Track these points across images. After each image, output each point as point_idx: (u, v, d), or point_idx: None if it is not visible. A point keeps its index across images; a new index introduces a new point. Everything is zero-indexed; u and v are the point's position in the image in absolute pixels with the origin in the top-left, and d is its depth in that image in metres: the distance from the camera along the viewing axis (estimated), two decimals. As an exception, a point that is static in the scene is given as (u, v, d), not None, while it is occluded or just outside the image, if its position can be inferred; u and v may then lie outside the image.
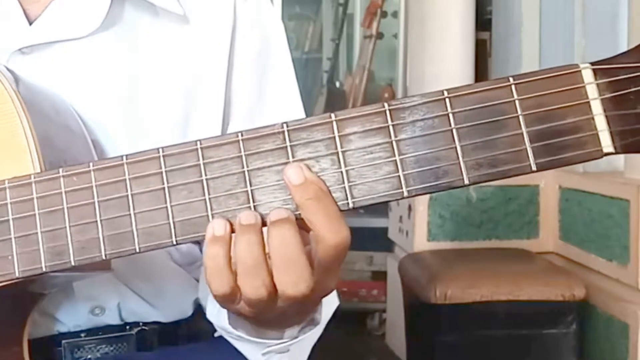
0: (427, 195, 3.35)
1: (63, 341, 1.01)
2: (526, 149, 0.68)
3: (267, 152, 0.72)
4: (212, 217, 0.73)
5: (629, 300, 2.78)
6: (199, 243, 1.06)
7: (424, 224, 3.43)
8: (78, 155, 0.90)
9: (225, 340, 0.97)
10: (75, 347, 1.01)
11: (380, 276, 4.21)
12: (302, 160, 0.71)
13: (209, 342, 1.07)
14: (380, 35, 5.30)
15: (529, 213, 3.43)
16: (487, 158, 0.69)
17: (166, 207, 0.74)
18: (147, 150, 0.75)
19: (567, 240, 3.29)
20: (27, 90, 0.87)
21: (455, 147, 0.69)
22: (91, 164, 0.76)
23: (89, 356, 1.02)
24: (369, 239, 4.10)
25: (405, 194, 0.70)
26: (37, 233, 0.76)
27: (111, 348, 1.03)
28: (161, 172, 0.74)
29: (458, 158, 0.69)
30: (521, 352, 2.92)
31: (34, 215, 0.76)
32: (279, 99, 1.08)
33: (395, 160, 0.70)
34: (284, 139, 0.72)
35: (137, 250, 0.75)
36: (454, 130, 0.69)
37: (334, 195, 0.71)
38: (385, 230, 3.98)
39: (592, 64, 0.68)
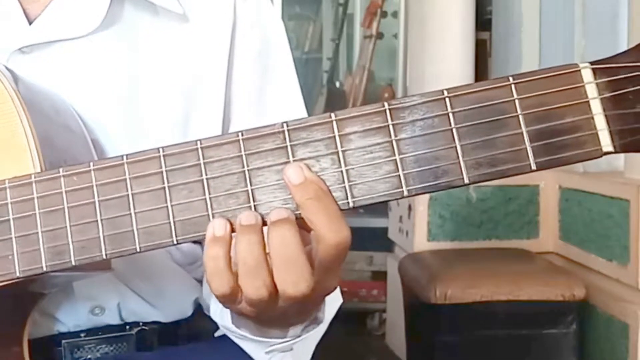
0: (427, 195, 3.35)
1: (63, 341, 1.01)
2: (526, 148, 0.68)
3: (267, 152, 0.72)
4: (213, 216, 0.73)
5: (629, 300, 2.78)
6: (200, 243, 1.06)
7: (424, 224, 3.43)
8: (78, 155, 0.90)
9: (225, 340, 0.97)
10: (75, 347, 1.01)
11: (380, 276, 4.21)
12: (302, 159, 0.72)
13: (209, 342, 1.07)
14: (380, 35, 5.30)
15: (529, 213, 3.43)
16: (486, 157, 0.69)
17: (166, 206, 0.74)
18: (148, 149, 0.75)
19: (567, 240, 3.29)
20: (27, 89, 0.87)
21: (455, 147, 0.69)
22: (91, 164, 0.76)
23: (89, 356, 1.02)
24: (369, 239, 4.10)
25: (405, 193, 0.70)
26: (37, 233, 0.76)
27: (111, 348, 1.03)
28: (161, 172, 0.74)
29: (458, 157, 0.69)
30: (521, 352, 2.92)
31: (35, 214, 0.77)
32: (280, 98, 1.08)
33: (395, 159, 0.70)
34: (284, 139, 0.72)
35: (138, 250, 0.75)
36: (454, 130, 0.69)
37: (334, 194, 0.71)
38: (385, 230, 3.99)
39: (592, 63, 0.68)
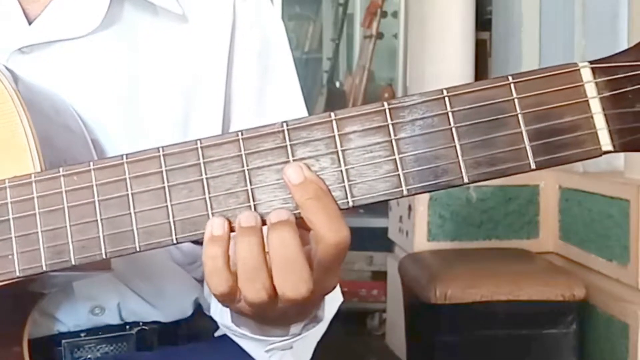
0: (427, 195, 3.35)
1: (63, 341, 1.01)
2: (525, 147, 0.68)
3: (267, 151, 0.72)
4: (212, 215, 0.73)
5: (629, 300, 2.77)
6: (200, 243, 1.06)
7: (424, 224, 3.43)
8: (78, 155, 0.90)
9: (225, 340, 0.97)
10: (75, 347, 1.02)
11: (380, 276, 4.21)
12: (302, 159, 0.72)
13: (209, 342, 1.07)
14: (380, 35, 5.30)
15: (529, 213, 3.43)
16: (486, 156, 0.69)
17: (166, 206, 0.74)
18: (147, 149, 0.75)
19: (567, 240, 3.29)
20: (27, 89, 0.87)
21: (455, 146, 0.69)
22: (91, 163, 0.76)
23: (89, 356, 1.02)
24: (369, 239, 4.10)
25: (405, 192, 0.70)
26: (37, 232, 0.76)
27: (111, 348, 1.03)
28: (161, 171, 0.74)
29: (457, 157, 0.69)
30: (521, 352, 2.92)
31: (34, 214, 0.77)
32: (281, 98, 1.08)
33: (395, 159, 0.70)
34: (284, 138, 0.72)
35: (138, 249, 0.75)
36: (453, 129, 0.69)
37: (333, 194, 0.71)
38: (385, 230, 3.99)
39: (591, 62, 0.68)
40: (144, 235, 0.74)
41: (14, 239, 0.77)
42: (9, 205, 0.77)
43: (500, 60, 4.26)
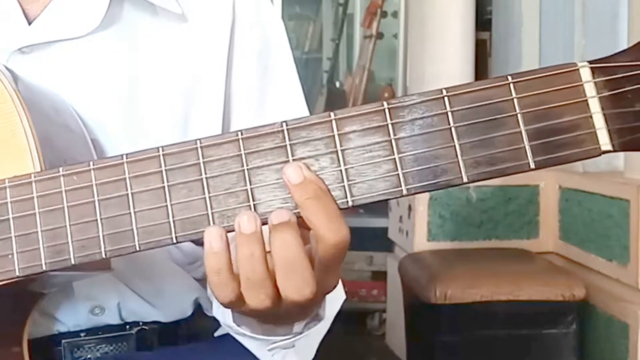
0: (427, 195, 3.35)
1: (63, 341, 1.01)
2: (524, 147, 0.68)
3: (267, 151, 0.72)
4: (212, 215, 0.73)
5: (629, 300, 2.78)
6: (200, 243, 1.06)
7: (424, 224, 3.43)
8: (78, 155, 0.90)
9: (225, 340, 0.97)
10: (75, 347, 1.02)
11: (380, 276, 4.21)
12: (301, 158, 0.72)
13: (209, 342, 1.07)
14: (380, 35, 5.30)
15: (529, 213, 3.43)
16: (485, 156, 0.69)
17: (166, 205, 0.74)
18: (147, 149, 0.75)
19: (567, 240, 3.29)
20: (27, 89, 0.87)
21: (454, 146, 0.69)
22: (91, 163, 0.76)
23: (89, 356, 1.02)
24: (369, 239, 4.10)
25: (405, 192, 0.70)
26: (37, 232, 0.76)
27: (111, 348, 1.03)
28: (161, 171, 0.74)
29: (457, 156, 0.69)
30: (521, 352, 2.92)
31: (34, 214, 0.77)
32: (281, 98, 1.08)
33: (395, 158, 0.70)
34: (284, 138, 0.72)
35: (137, 249, 0.75)
36: (453, 129, 0.69)
37: (333, 193, 0.71)
38: (385, 230, 3.98)
39: (590, 62, 0.68)
40: (143, 234, 0.74)
41: (13, 238, 0.77)
42: (9, 204, 0.77)
43: (500, 60, 4.26)
